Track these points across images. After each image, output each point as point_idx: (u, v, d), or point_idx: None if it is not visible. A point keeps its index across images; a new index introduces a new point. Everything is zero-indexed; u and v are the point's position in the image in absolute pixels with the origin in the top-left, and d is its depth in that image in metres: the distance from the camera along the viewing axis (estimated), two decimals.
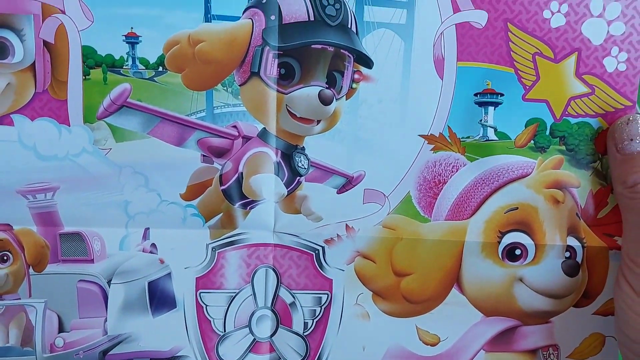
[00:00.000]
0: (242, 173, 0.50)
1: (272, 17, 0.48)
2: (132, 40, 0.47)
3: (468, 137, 0.50)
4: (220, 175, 0.49)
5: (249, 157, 0.50)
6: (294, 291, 0.50)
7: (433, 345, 0.51)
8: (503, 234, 0.49)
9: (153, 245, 0.49)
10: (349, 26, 0.49)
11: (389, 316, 0.51)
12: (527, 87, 0.49)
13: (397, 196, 0.50)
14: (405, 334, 0.50)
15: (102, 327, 0.46)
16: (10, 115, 0.46)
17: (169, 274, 0.49)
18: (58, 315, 0.46)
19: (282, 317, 0.50)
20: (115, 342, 0.47)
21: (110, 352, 0.47)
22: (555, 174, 0.50)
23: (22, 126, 0.46)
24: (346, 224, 0.50)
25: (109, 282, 0.47)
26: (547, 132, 0.49)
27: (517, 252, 0.49)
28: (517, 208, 0.49)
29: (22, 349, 0.46)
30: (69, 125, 0.47)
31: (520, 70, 0.49)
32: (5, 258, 0.46)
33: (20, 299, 0.46)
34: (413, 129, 0.50)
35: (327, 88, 0.49)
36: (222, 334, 0.49)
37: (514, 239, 0.49)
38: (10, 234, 0.46)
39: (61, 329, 0.46)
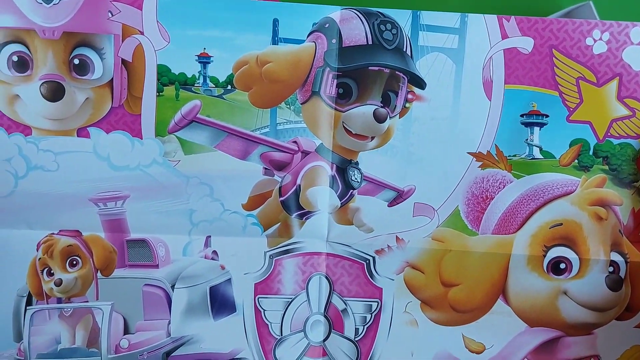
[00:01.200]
0: (299, 185, 0.44)
1: (333, 41, 0.43)
2: (204, 60, 0.43)
3: (514, 156, 0.43)
4: (280, 187, 0.43)
5: (307, 171, 0.44)
6: (345, 298, 0.44)
7: (478, 353, 0.43)
8: (548, 248, 0.42)
9: (214, 252, 0.42)
10: (404, 50, 0.43)
11: (436, 324, 0.43)
12: (571, 109, 0.43)
13: (446, 210, 0.43)
14: (452, 342, 0.43)
15: (166, 329, 0.40)
16: (87, 128, 0.41)
17: (229, 279, 0.42)
18: (124, 318, 0.40)
19: (334, 322, 0.43)
20: (178, 344, 0.41)
21: (173, 354, 0.41)
22: (598, 192, 0.42)
23: (97, 138, 0.41)
24: (396, 236, 0.44)
25: (172, 287, 0.41)
26: (591, 152, 0.43)
27: (562, 266, 0.42)
28: (561, 224, 0.42)
29: (87, 350, 0.41)
30: (142, 138, 0.41)
31: (565, 94, 0.43)
32: (74, 262, 0.41)
33: (87, 301, 0.41)
34: (462, 146, 0.43)
35: (382, 107, 0.43)
36: (278, 337, 0.42)
37: (559, 254, 0.42)
38: (79, 239, 0.41)
39: (126, 331, 0.40)
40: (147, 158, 0.43)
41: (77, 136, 0.42)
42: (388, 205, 0.46)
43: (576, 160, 0.44)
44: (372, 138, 0.46)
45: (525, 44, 0.44)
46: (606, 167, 0.44)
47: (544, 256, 0.44)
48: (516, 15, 0.44)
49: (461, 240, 0.45)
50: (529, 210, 0.44)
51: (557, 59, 0.44)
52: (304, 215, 0.45)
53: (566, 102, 0.44)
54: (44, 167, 0.41)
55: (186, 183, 0.43)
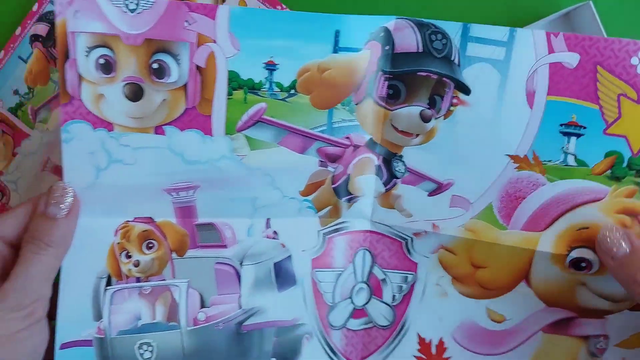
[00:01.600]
0: (349, 174, 0.46)
1: (387, 47, 0.43)
2: (270, 67, 0.44)
3: (549, 161, 0.44)
4: (333, 176, 0.46)
5: (357, 162, 0.46)
6: (385, 270, 0.47)
7: (499, 322, 0.47)
8: (572, 248, 0.44)
9: (275, 232, 0.46)
10: (452, 59, 0.43)
11: (464, 297, 0.47)
12: (609, 123, 0.43)
13: (480, 204, 0.46)
14: (477, 312, 0.47)
15: (237, 302, 0.45)
16: (163, 126, 0.43)
17: (290, 256, 0.46)
18: (199, 293, 0.44)
19: (374, 289, 0.47)
20: (248, 315, 0.45)
21: (244, 323, 0.45)
22: (626, 202, 0.44)
23: (172, 135, 0.43)
24: (433, 223, 0.46)
25: (241, 264, 0.45)
26: (625, 165, 0.43)
27: (583, 264, 0.44)
28: (587, 227, 0.44)
29: (167, 324, 0.44)
30: (212, 136, 0.43)
31: (604, 107, 0.43)
32: (150, 245, 0.44)
33: (165, 279, 0.44)
34: (501, 148, 0.44)
35: (427, 108, 0.43)
36: (331, 304, 0.47)
37: (581, 254, 0.45)
38: (153, 225, 0.45)
39: (202, 305, 0.45)
40: (217, 153, 0.45)
41: (154, 133, 0.44)
42: (427, 195, 0.48)
43: (609, 171, 0.45)
44: (417, 135, 0.47)
45: (571, 59, 0.44)
46: (638, 180, 0.45)
47: (567, 255, 0.46)
48: (564, 32, 0.43)
49: (491, 232, 0.47)
50: (558, 212, 0.46)
51: (600, 74, 0.44)
52: (352, 199, 0.48)
53: (605, 115, 0.44)
54: (123, 161, 0.44)
55: (250, 174, 0.46)
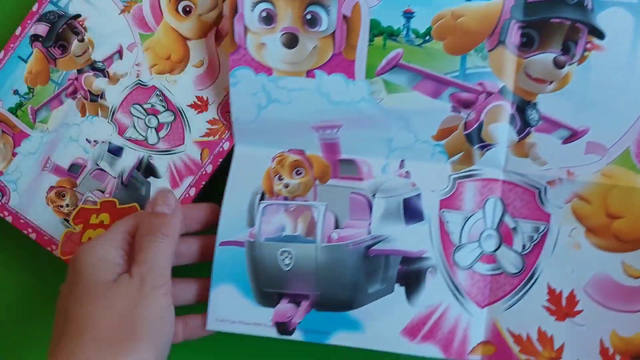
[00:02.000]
0: (482, 121, 0.45)
1: None
2: (408, 15, 0.46)
3: None
4: (465, 122, 0.46)
5: (490, 109, 0.45)
6: (516, 219, 0.46)
7: (635, 278, 0.43)
8: None
9: (407, 172, 0.47)
10: (585, 4, 0.42)
11: (598, 249, 0.43)
12: None
13: (617, 150, 0.43)
14: (611, 266, 0.44)
15: (367, 228, 0.46)
16: (314, 71, 0.47)
17: (419, 194, 0.46)
18: (335, 216, 0.46)
19: (504, 237, 0.46)
20: (376, 241, 0.46)
21: (372, 248, 0.46)
22: None
23: (320, 79, 0.46)
24: (567, 170, 0.44)
25: (373, 196, 0.46)
26: None
27: None
28: None
29: (306, 238, 0.47)
30: (354, 79, 0.46)
31: None
32: (299, 172, 0.48)
33: (307, 201, 0.47)
34: (637, 92, 0.41)
35: (561, 55, 0.42)
36: (457, 244, 0.46)
37: None
38: (303, 156, 0.48)
39: (336, 226, 0.46)
40: (357, 95, 0.48)
41: (306, 77, 0.48)
42: (562, 143, 0.46)
43: None
44: (551, 82, 0.45)
45: None
46: None
47: None
48: None
49: (629, 178, 0.44)
50: None
51: None
52: (485, 147, 0.47)
53: None
54: (280, 101, 0.48)
55: (387, 117, 0.48)
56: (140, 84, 0.51)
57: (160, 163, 0.51)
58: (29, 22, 0.51)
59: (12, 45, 0.51)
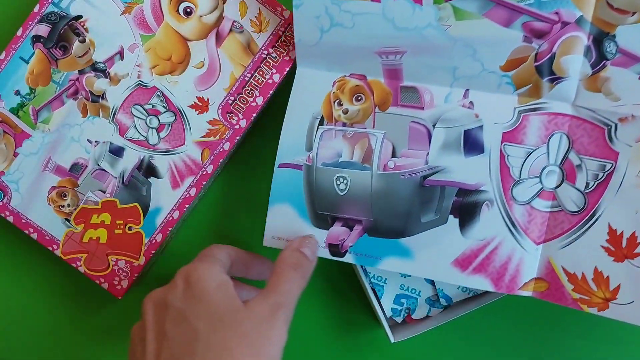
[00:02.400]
0: (555, 53, 0.43)
1: None
2: None
3: None
4: (536, 53, 0.44)
5: (564, 40, 0.44)
6: (582, 156, 0.45)
7: None
8: None
9: (471, 103, 0.46)
10: None
11: None
12: None
13: None
14: None
15: (424, 158, 0.46)
16: None
17: (481, 126, 0.46)
18: (392, 144, 0.46)
19: (567, 174, 0.45)
20: (433, 171, 0.46)
21: (428, 178, 0.46)
22: None
23: (386, 3, 0.46)
24: None
25: (433, 126, 0.46)
26: None
27: None
28: None
29: (362, 165, 0.48)
30: (422, 5, 0.45)
31: None
32: (359, 98, 0.47)
33: (366, 128, 0.47)
34: None
35: None
36: (517, 179, 0.45)
37: None
38: (364, 82, 0.48)
39: (393, 155, 0.47)
40: (424, 21, 0.46)
41: (371, 1, 0.47)
42: (639, 78, 0.43)
43: None
44: (634, 13, 0.43)
45: None
46: None
47: None
48: None
49: None
50: None
51: None
52: (555, 79, 0.46)
53: None
54: (343, 25, 0.48)
55: (453, 44, 0.46)
56: (141, 84, 0.51)
57: (161, 163, 0.51)
58: (30, 23, 0.51)
59: (13, 46, 0.51)
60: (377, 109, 0.49)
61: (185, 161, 0.52)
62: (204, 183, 0.52)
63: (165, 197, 0.51)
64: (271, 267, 0.45)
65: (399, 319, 0.53)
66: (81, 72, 0.51)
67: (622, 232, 0.45)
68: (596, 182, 0.46)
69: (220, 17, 0.51)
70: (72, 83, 0.51)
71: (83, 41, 0.51)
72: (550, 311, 0.55)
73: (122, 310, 0.56)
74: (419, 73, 0.48)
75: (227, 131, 0.51)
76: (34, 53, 0.51)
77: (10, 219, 0.52)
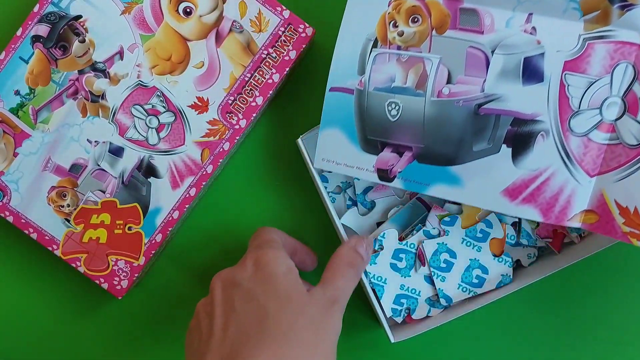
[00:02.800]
0: None
1: None
2: None
3: None
4: None
5: None
6: None
7: None
8: None
9: (533, 28, 0.44)
10: None
11: None
12: None
13: None
14: None
15: (481, 86, 0.45)
16: None
17: (542, 54, 0.44)
18: (448, 70, 0.45)
19: (630, 106, 0.44)
20: (488, 99, 0.46)
21: (483, 106, 0.45)
22: None
23: None
24: None
25: (492, 52, 0.45)
26: None
27: None
28: None
29: (415, 91, 0.47)
30: None
31: None
32: (416, 20, 0.46)
33: (421, 52, 0.46)
34: None
35: None
36: (576, 110, 0.44)
37: None
38: (422, 2, 0.47)
39: (448, 81, 0.46)
40: None
41: None
42: None
43: None
44: None
45: None
46: None
47: None
48: None
49: None
50: None
51: None
52: (626, 6, 0.44)
53: None
54: None
55: None
56: (141, 84, 0.51)
57: (161, 163, 0.51)
58: (30, 22, 0.51)
59: (13, 46, 0.51)
60: (434, 32, 0.47)
61: (185, 161, 0.52)
62: (203, 183, 0.52)
63: (165, 197, 0.52)
64: (314, 259, 0.50)
65: (399, 319, 0.53)
66: (81, 72, 0.51)
67: None
68: None
69: (220, 17, 0.51)
70: (72, 83, 0.51)
71: (83, 41, 0.51)
72: (549, 311, 0.56)
73: (122, 310, 0.55)
74: None
75: (227, 131, 0.51)
76: (33, 53, 0.51)
77: (10, 219, 0.52)
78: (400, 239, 0.52)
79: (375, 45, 0.48)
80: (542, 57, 0.46)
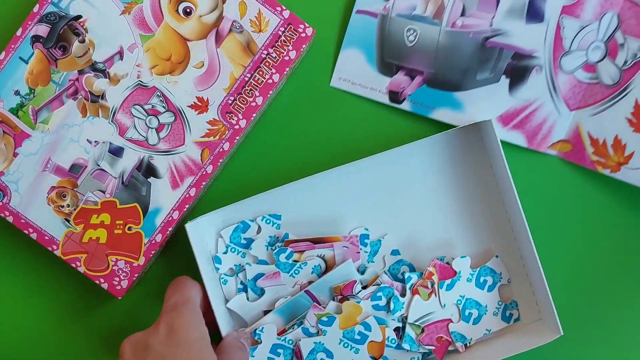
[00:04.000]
0: None
1: None
2: None
3: None
4: None
5: None
6: (627, 35, 0.51)
7: None
8: None
9: None
10: None
11: None
12: None
13: None
14: None
15: (490, 21, 0.52)
16: None
17: None
18: (463, 4, 0.51)
19: (611, 50, 0.52)
20: (495, 34, 0.52)
21: (490, 40, 0.51)
22: None
23: None
24: None
25: None
26: None
27: None
28: None
29: (433, 20, 0.53)
30: None
31: None
32: None
33: None
34: None
35: None
36: (567, 50, 0.52)
37: None
38: None
39: (463, 14, 0.51)
40: None
41: None
42: None
43: None
44: None
45: None
46: None
47: None
48: None
49: None
50: None
51: None
52: None
53: None
54: None
55: None
56: (141, 84, 0.51)
57: (161, 163, 0.52)
58: (29, 23, 0.51)
59: (13, 46, 0.51)
60: None
61: (185, 161, 0.52)
62: (203, 183, 0.52)
63: (165, 198, 0.52)
64: None
65: None
66: (81, 72, 0.51)
67: None
68: (634, 61, 0.53)
69: (220, 17, 0.51)
70: (72, 83, 0.51)
71: (82, 41, 0.51)
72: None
73: (122, 310, 0.55)
74: None
75: (227, 131, 0.52)
76: (33, 53, 0.51)
77: (10, 219, 0.51)
78: (281, 333, 0.51)
79: None
80: (544, 1, 0.52)
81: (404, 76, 0.55)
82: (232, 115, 0.52)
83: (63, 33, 0.51)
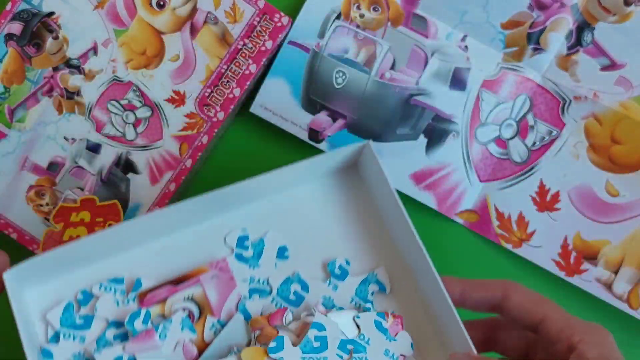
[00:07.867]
0: (546, 27, 0.54)
1: None
2: None
3: None
4: (533, 22, 0.55)
5: (556, 18, 0.57)
6: (537, 119, 0.57)
7: (613, 196, 0.55)
8: None
9: (466, 47, 0.57)
10: None
11: (592, 164, 0.54)
12: None
13: None
14: (597, 180, 0.56)
15: (416, 79, 0.56)
16: None
17: (469, 68, 0.57)
18: (394, 58, 0.55)
19: (521, 130, 0.58)
20: (420, 92, 0.56)
21: (414, 97, 0.55)
22: None
23: None
24: (595, 92, 0.54)
25: (432, 54, 0.55)
26: None
27: None
28: None
29: (362, 67, 0.56)
30: None
31: None
32: (376, 9, 0.57)
33: (375, 37, 0.56)
34: None
35: None
36: (483, 122, 0.56)
37: None
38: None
39: (392, 67, 0.55)
40: None
41: None
42: (600, 69, 0.56)
43: None
44: (614, 15, 0.55)
45: None
46: None
47: None
48: None
49: None
50: None
51: None
52: (537, 50, 0.57)
53: None
54: None
55: None
56: (117, 79, 0.53)
57: (139, 159, 0.53)
58: (2, 21, 0.52)
59: None
60: (389, 23, 0.57)
61: (164, 156, 0.53)
62: (183, 177, 0.53)
63: (145, 193, 0.53)
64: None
65: None
66: (55, 69, 0.53)
67: (549, 188, 0.57)
68: (541, 143, 0.58)
69: (194, 9, 0.53)
70: (47, 80, 0.53)
71: (56, 38, 0.52)
72: None
73: None
74: (433, 7, 0.57)
75: (205, 124, 0.53)
76: (7, 51, 0.52)
77: None
78: None
79: (338, 18, 0.57)
80: (468, 71, 0.58)
81: (327, 117, 0.56)
82: (209, 108, 0.53)
83: (36, 30, 0.52)
